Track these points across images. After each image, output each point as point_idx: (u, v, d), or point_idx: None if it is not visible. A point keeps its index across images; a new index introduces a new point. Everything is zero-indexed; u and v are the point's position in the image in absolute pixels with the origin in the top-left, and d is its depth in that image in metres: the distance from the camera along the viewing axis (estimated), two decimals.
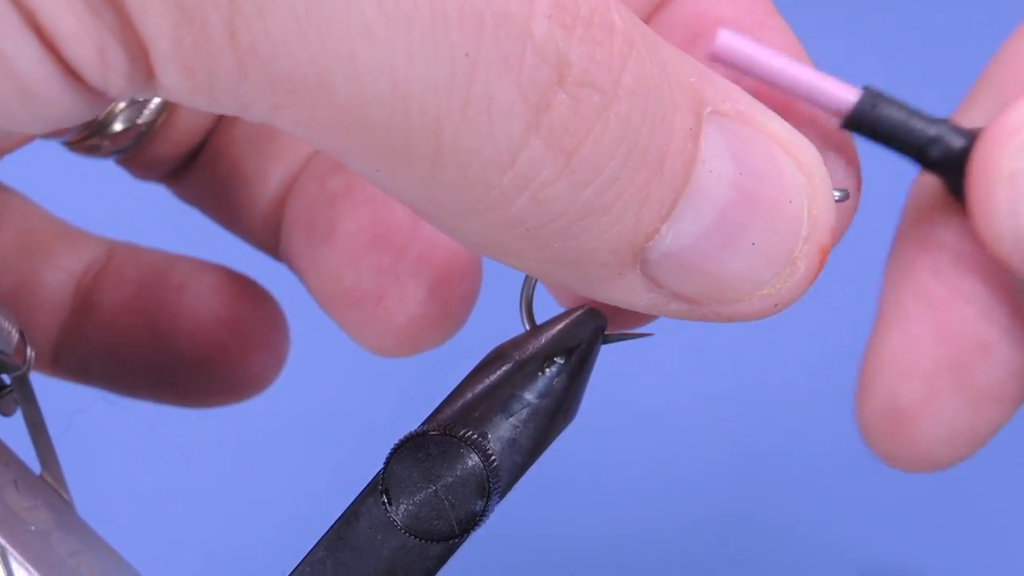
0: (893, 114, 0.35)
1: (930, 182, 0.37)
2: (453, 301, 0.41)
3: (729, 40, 0.34)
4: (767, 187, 0.29)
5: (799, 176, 0.30)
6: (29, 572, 0.34)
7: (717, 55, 0.35)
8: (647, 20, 0.38)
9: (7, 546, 0.34)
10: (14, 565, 0.34)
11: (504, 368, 0.34)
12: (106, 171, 0.45)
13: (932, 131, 0.35)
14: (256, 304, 0.46)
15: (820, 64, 0.35)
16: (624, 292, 0.30)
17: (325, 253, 0.42)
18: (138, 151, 0.44)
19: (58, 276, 0.45)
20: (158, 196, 0.46)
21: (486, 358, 0.35)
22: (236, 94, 0.26)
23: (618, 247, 0.29)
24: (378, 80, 0.26)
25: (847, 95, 0.35)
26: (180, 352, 0.45)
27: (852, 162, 0.36)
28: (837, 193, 0.33)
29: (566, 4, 0.27)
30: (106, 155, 0.43)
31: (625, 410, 0.79)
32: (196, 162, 0.45)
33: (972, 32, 0.83)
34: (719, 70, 0.31)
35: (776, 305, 0.30)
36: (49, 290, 0.45)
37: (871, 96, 0.35)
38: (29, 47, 0.25)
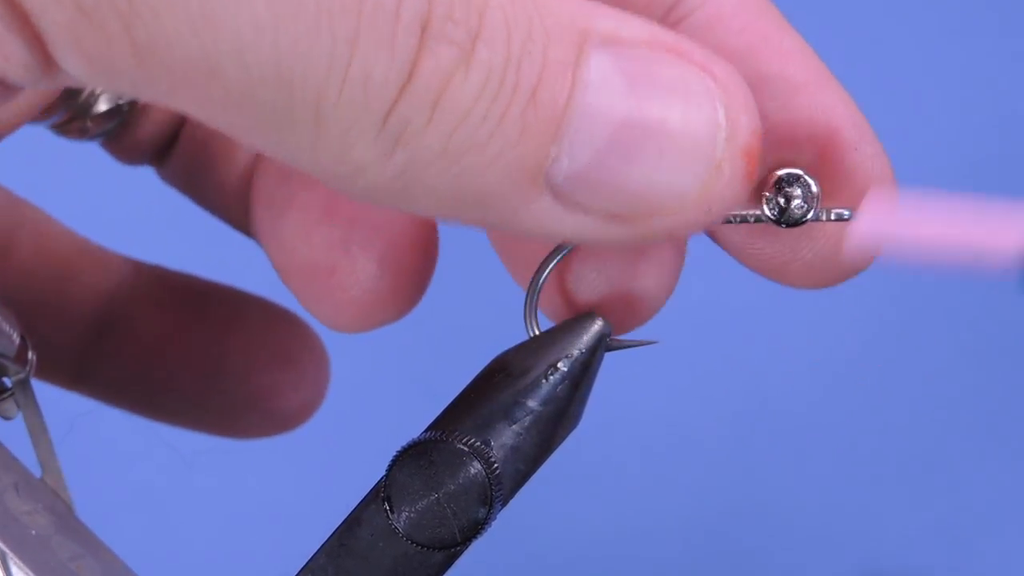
0: None
1: None
2: (405, 274, 0.41)
3: (864, 234, 0.33)
4: (666, 97, 0.31)
5: (709, 84, 0.31)
6: None
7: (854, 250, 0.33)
8: None
9: (7, 550, 0.34)
10: (14, 569, 0.34)
11: (507, 375, 0.34)
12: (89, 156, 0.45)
13: None
14: (299, 338, 0.46)
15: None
16: (546, 221, 0.31)
17: (282, 226, 0.42)
18: (123, 132, 0.44)
19: (83, 294, 0.45)
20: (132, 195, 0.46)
21: (489, 365, 0.35)
22: (132, 80, 0.29)
23: (510, 176, 0.30)
24: (264, 67, 0.28)
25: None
26: (226, 385, 0.45)
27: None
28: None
29: None
30: (92, 137, 0.43)
31: (628, 417, 0.79)
32: (176, 143, 0.45)
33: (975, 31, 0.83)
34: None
35: (709, 210, 0.31)
36: (73, 307, 0.45)
37: None
38: None
